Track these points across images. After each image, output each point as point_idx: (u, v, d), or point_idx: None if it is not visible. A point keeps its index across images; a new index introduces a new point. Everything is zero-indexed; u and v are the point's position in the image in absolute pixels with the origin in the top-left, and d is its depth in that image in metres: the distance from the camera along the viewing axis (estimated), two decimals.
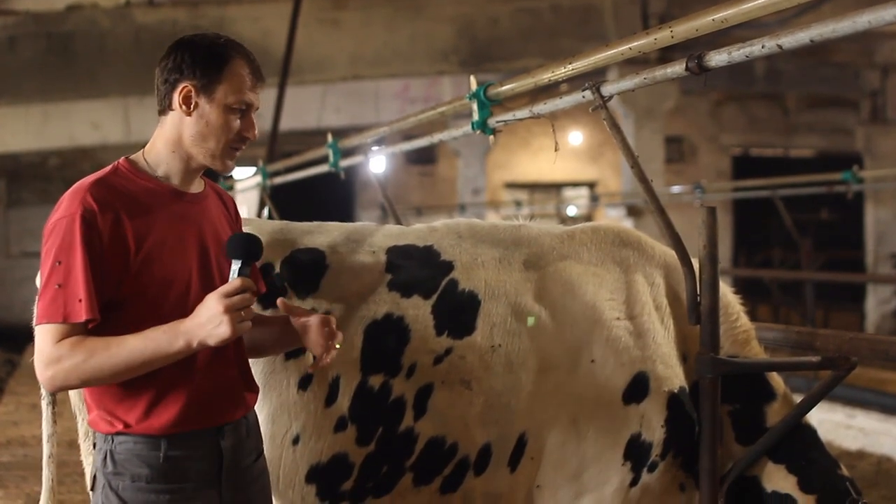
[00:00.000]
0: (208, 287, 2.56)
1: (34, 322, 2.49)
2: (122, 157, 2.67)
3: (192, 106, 2.60)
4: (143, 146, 2.71)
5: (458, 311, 3.23)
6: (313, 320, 2.71)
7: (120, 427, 2.55)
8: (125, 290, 2.51)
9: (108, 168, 2.63)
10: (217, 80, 2.59)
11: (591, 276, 3.37)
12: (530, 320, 3.26)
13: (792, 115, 20.55)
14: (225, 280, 2.56)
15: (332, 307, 3.15)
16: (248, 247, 2.56)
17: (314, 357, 2.76)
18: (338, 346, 2.73)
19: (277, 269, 3.17)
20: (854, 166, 9.72)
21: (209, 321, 2.43)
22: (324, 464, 3.12)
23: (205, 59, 2.59)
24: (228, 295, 2.43)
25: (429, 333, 3.18)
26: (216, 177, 2.81)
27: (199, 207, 2.69)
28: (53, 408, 3.15)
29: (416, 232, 3.42)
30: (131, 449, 2.54)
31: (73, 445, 3.13)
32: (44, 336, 2.44)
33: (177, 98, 2.60)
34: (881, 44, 16.47)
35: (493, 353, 3.21)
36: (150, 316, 2.50)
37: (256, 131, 2.67)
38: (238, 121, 2.62)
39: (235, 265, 2.52)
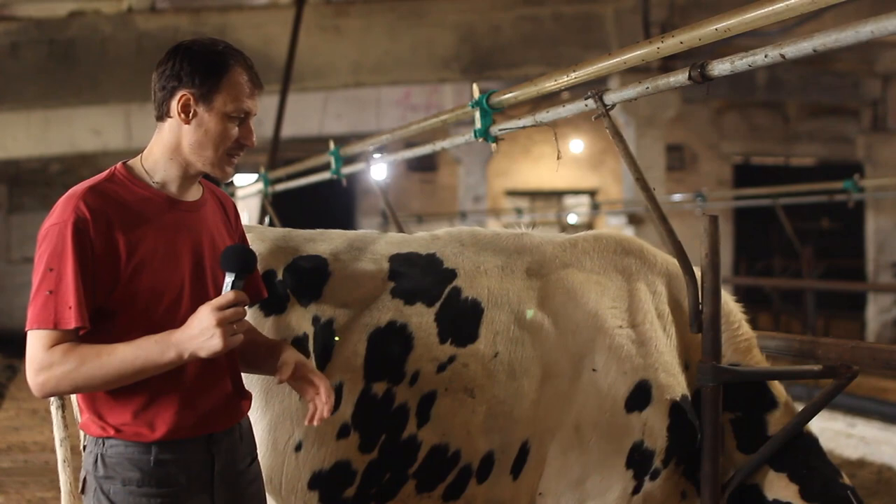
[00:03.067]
0: (201, 297, 2.56)
1: (26, 327, 2.50)
2: (120, 163, 2.66)
3: (190, 114, 2.59)
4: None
5: (462, 319, 3.23)
6: (318, 381, 2.72)
7: (111, 433, 2.55)
8: (116, 299, 2.51)
9: (104, 174, 2.63)
10: (216, 88, 2.58)
11: (593, 285, 3.37)
12: (529, 313, 3.27)
13: (793, 124, 20.56)
14: (219, 290, 2.56)
15: (335, 314, 3.15)
16: (242, 259, 2.55)
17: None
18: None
19: (280, 277, 3.17)
20: (855, 175, 9.72)
21: (201, 333, 2.43)
22: (326, 471, 3.11)
23: (203, 67, 2.58)
24: (221, 308, 2.44)
25: (432, 341, 3.18)
26: (218, 182, 2.81)
27: (196, 216, 2.68)
28: (63, 412, 3.15)
29: (418, 240, 3.43)
30: (122, 452, 2.55)
31: (74, 451, 3.14)
32: (35, 342, 2.46)
33: (175, 106, 2.60)
34: (882, 53, 16.48)
35: (496, 360, 3.21)
36: (141, 325, 2.51)
37: (255, 138, 2.67)
38: (236, 128, 2.62)
39: (229, 277, 2.51)
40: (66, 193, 2.55)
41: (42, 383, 2.46)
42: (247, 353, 2.81)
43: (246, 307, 2.53)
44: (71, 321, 2.44)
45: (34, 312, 2.46)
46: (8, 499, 7.20)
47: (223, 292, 2.50)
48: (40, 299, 2.46)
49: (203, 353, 2.45)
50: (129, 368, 2.45)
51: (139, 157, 2.68)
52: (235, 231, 2.84)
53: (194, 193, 2.71)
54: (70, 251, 2.45)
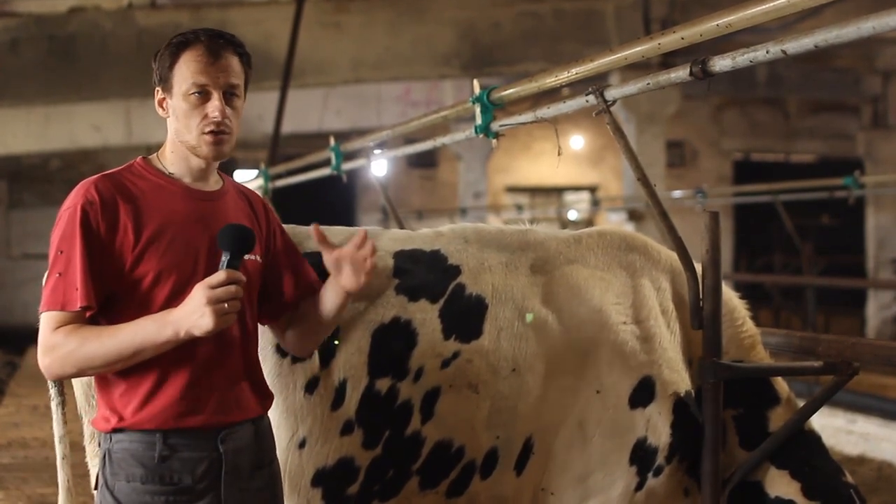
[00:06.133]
0: None
1: (39, 309, 2.54)
2: (140, 156, 2.73)
3: (164, 107, 2.67)
4: (144, 148, 2.74)
5: (466, 315, 3.22)
6: (346, 250, 2.68)
7: (115, 421, 2.55)
8: (124, 282, 2.54)
9: (124, 165, 2.70)
10: (170, 74, 2.63)
11: (597, 281, 3.37)
12: (529, 317, 3.27)
13: (793, 120, 20.54)
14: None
15: None
16: (237, 239, 2.53)
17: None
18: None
19: None
20: (855, 171, 9.71)
21: (193, 311, 2.44)
22: (330, 467, 3.11)
23: (161, 59, 2.65)
24: (212, 287, 2.44)
25: (436, 337, 3.18)
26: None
27: (214, 206, 2.69)
28: (63, 409, 3.15)
29: (422, 236, 3.42)
30: (127, 448, 2.55)
31: (76, 447, 3.14)
32: (44, 323, 2.51)
33: (157, 104, 2.69)
34: (882, 49, 16.47)
35: (500, 356, 3.21)
36: (146, 308, 2.53)
37: (221, 111, 2.60)
38: (203, 105, 2.61)
39: (224, 257, 2.51)
40: (84, 180, 2.61)
41: (48, 365, 2.50)
42: (315, 311, 2.79)
43: (240, 287, 2.48)
44: (77, 302, 2.47)
45: (45, 295, 2.51)
46: (8, 495, 7.20)
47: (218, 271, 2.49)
48: (51, 282, 2.51)
49: (197, 332, 2.45)
50: (128, 348, 2.47)
51: (157, 153, 2.74)
52: (263, 226, 2.82)
53: (212, 185, 2.74)
54: (78, 234, 2.50)
